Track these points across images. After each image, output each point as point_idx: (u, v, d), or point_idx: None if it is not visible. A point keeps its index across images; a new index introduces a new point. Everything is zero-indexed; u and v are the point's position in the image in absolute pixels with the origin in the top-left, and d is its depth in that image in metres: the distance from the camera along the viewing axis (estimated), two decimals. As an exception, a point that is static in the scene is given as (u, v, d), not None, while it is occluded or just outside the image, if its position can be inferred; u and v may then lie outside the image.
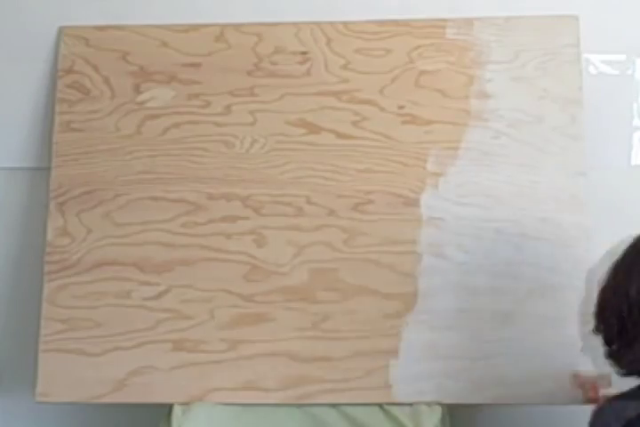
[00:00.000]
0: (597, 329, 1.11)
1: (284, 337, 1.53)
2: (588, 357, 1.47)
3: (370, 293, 1.54)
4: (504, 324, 1.51)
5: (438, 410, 1.48)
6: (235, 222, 1.59)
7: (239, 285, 1.56)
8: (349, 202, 1.58)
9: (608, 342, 1.09)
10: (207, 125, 1.63)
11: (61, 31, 1.69)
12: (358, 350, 1.52)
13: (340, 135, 1.61)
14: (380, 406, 1.49)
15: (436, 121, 1.60)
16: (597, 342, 1.12)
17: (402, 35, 1.64)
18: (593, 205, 1.55)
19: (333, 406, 1.50)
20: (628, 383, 1.09)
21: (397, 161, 1.59)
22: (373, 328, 1.53)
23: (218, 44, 1.66)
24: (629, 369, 1.07)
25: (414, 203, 1.58)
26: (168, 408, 1.50)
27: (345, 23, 1.65)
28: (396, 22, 1.65)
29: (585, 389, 1.45)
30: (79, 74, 1.66)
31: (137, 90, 1.65)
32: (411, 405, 1.48)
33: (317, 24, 1.65)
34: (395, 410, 1.48)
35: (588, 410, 1.11)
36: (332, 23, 1.65)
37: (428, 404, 1.47)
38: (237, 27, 1.66)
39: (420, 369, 1.50)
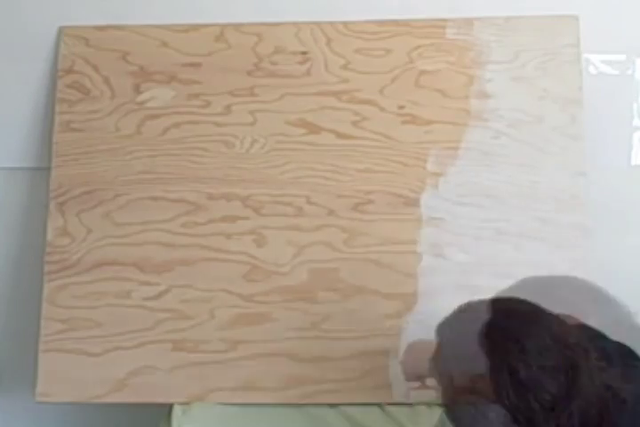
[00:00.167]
0: None
1: (283, 337, 1.53)
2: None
3: (370, 293, 1.54)
4: (504, 324, 1.51)
5: (438, 410, 1.47)
6: (235, 222, 1.59)
7: (239, 285, 1.56)
8: (349, 202, 1.58)
9: None
10: (207, 125, 1.63)
11: (61, 31, 1.69)
12: (358, 350, 1.52)
13: (340, 135, 1.61)
14: (380, 406, 1.49)
15: (435, 121, 1.60)
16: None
17: (402, 35, 1.64)
18: (593, 205, 1.55)
19: (333, 406, 1.50)
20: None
21: (397, 161, 1.59)
22: (373, 328, 1.53)
23: (218, 44, 1.66)
24: None
25: (414, 203, 1.58)
26: (168, 408, 1.50)
27: (345, 23, 1.65)
28: (396, 22, 1.65)
29: None
30: (79, 74, 1.66)
31: (137, 90, 1.65)
32: (410, 405, 1.48)
33: (317, 24, 1.65)
34: (394, 410, 1.48)
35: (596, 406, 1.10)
36: (332, 23, 1.65)
37: (428, 404, 1.47)
38: (237, 27, 1.66)
39: (419, 369, 1.51)
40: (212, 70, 1.65)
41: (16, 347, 1.71)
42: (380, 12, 1.66)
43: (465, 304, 1.10)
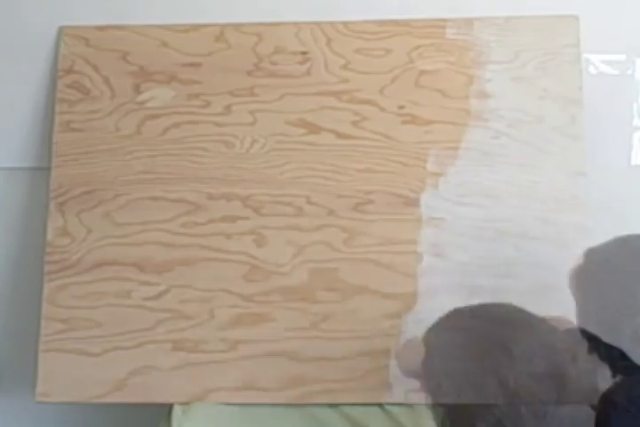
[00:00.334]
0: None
1: (283, 337, 1.53)
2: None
3: (370, 293, 1.54)
4: (504, 324, 1.51)
5: (438, 410, 1.47)
6: (235, 222, 1.59)
7: (239, 285, 1.56)
8: (349, 202, 1.58)
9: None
10: (207, 125, 1.63)
11: (61, 31, 1.69)
12: (358, 350, 1.52)
13: (340, 135, 1.61)
14: (380, 406, 1.49)
15: (435, 121, 1.60)
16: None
17: (402, 35, 1.64)
18: (593, 205, 1.55)
19: (333, 406, 1.50)
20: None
21: (397, 161, 1.59)
22: (373, 328, 1.53)
23: (218, 44, 1.66)
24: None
25: (414, 203, 1.58)
26: (168, 408, 1.50)
27: (345, 23, 1.65)
28: (396, 22, 1.65)
29: None
30: (79, 74, 1.66)
31: (137, 90, 1.65)
32: (411, 405, 1.48)
33: (317, 24, 1.65)
34: (395, 410, 1.48)
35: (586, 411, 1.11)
36: (332, 23, 1.65)
37: (428, 404, 1.47)
38: (237, 27, 1.66)
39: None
40: (211, 70, 1.65)
41: (16, 347, 1.71)
42: (380, 12, 1.66)
43: (451, 311, 1.10)
